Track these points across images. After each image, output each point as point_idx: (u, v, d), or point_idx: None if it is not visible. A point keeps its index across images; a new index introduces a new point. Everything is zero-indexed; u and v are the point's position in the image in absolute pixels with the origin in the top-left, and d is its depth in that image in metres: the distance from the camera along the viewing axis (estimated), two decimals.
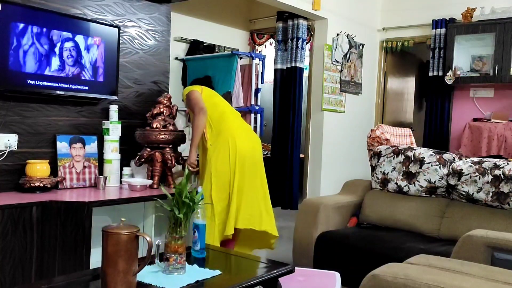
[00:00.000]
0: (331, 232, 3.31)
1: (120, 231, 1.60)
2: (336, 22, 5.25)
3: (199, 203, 1.91)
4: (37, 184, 2.81)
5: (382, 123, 5.81)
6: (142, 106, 3.59)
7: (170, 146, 3.25)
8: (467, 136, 5.07)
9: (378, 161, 3.64)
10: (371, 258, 2.88)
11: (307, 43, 5.31)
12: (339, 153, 5.38)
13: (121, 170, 3.31)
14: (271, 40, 5.95)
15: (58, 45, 2.99)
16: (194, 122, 3.15)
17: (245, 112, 4.98)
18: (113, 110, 3.27)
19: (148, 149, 3.22)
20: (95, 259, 2.56)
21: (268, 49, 6.13)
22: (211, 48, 5.43)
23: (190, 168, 3.19)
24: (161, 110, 3.29)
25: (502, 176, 3.02)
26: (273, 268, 2.04)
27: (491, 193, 3.06)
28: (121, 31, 3.35)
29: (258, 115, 5.01)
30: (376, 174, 3.64)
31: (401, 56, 6.25)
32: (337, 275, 2.55)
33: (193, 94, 3.27)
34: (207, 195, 3.08)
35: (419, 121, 6.28)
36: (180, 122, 4.98)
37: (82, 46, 3.10)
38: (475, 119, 5.21)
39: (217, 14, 5.60)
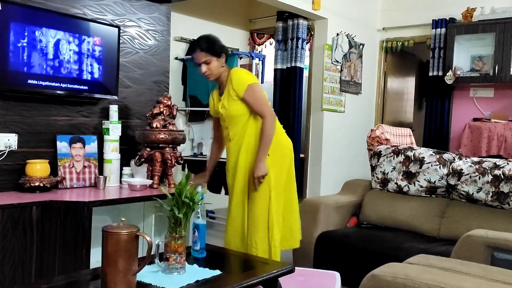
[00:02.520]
0: (331, 232, 3.31)
1: (120, 231, 1.60)
2: (336, 22, 5.25)
3: (199, 203, 1.91)
4: (37, 184, 2.81)
5: (382, 123, 5.81)
6: (142, 106, 3.59)
7: (170, 146, 3.25)
8: (467, 136, 5.06)
9: (378, 161, 3.64)
10: (371, 258, 2.88)
11: (307, 43, 5.31)
12: (339, 153, 5.38)
13: (121, 170, 3.30)
14: (271, 40, 5.95)
15: (58, 44, 2.98)
16: (268, 129, 2.70)
17: None
18: (113, 110, 3.27)
19: (148, 149, 3.22)
20: (95, 259, 2.56)
21: (268, 49, 6.12)
22: None
23: (261, 181, 2.70)
24: (161, 109, 3.29)
25: (502, 176, 3.02)
26: (273, 268, 2.05)
27: (491, 193, 3.06)
28: (121, 31, 3.35)
29: None
30: (376, 174, 3.64)
31: (401, 56, 6.24)
32: (337, 275, 2.56)
33: (258, 88, 2.74)
34: (264, 211, 2.74)
35: (419, 121, 6.28)
36: (180, 122, 4.98)
37: (82, 46, 3.10)
38: (475, 119, 5.21)
39: (217, 14, 5.60)
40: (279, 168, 2.80)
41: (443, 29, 5.27)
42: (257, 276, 1.93)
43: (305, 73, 5.49)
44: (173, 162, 3.24)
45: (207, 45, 2.73)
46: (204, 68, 2.73)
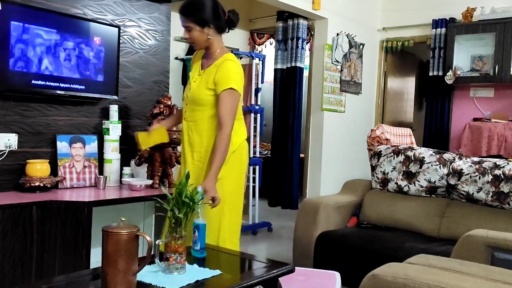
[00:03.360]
0: (331, 232, 3.31)
1: (120, 231, 1.60)
2: (336, 21, 5.25)
3: (199, 203, 1.91)
4: (37, 183, 2.81)
5: (382, 123, 5.81)
6: (142, 106, 3.59)
7: (170, 145, 3.25)
8: (467, 136, 5.07)
9: (378, 161, 3.64)
10: (371, 258, 2.88)
11: (307, 42, 5.32)
12: (339, 153, 5.38)
13: (121, 170, 3.30)
14: (271, 39, 5.95)
15: (58, 44, 2.98)
16: (223, 144, 2.34)
17: (245, 112, 4.98)
18: (113, 109, 3.27)
19: (148, 149, 3.22)
20: (95, 259, 2.56)
21: (268, 48, 6.13)
22: None
23: (215, 204, 2.34)
24: (161, 110, 3.29)
25: (502, 176, 3.02)
26: (273, 268, 2.04)
27: (491, 193, 3.06)
28: (121, 31, 3.35)
29: (258, 115, 5.01)
30: (376, 174, 3.64)
31: (401, 56, 6.25)
32: (337, 275, 2.56)
33: (236, 97, 2.40)
34: (215, 224, 2.42)
35: (419, 121, 6.29)
36: None
37: (82, 46, 3.10)
38: (475, 119, 5.21)
39: None
40: (237, 175, 2.51)
41: (443, 29, 5.27)
42: (257, 276, 1.93)
43: (305, 73, 5.49)
44: (173, 162, 3.24)
45: (189, 9, 2.38)
46: (185, 33, 2.42)
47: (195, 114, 2.47)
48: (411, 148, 3.54)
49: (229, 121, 2.37)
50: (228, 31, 2.52)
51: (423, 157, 3.41)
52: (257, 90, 4.98)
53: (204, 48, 2.49)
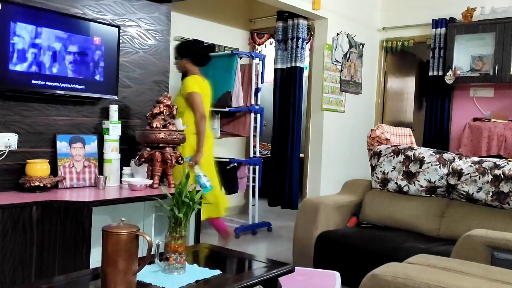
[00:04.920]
0: (331, 231, 3.31)
1: (120, 231, 1.60)
2: (336, 21, 5.25)
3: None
4: (37, 183, 2.81)
5: (382, 123, 5.81)
6: (142, 105, 3.59)
7: (170, 145, 3.25)
8: (467, 135, 5.07)
9: (378, 161, 3.64)
10: (371, 257, 2.88)
11: (307, 42, 5.31)
12: (339, 153, 5.38)
13: (121, 169, 3.30)
14: (271, 39, 5.95)
15: (58, 44, 2.98)
16: (198, 127, 3.81)
17: (245, 112, 4.98)
18: (113, 109, 3.27)
19: (148, 149, 3.22)
20: (95, 259, 2.55)
21: (268, 48, 6.13)
22: (211, 47, 5.42)
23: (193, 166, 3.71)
24: (161, 109, 3.29)
25: (502, 175, 3.02)
26: (273, 267, 2.05)
27: (491, 193, 3.06)
28: (121, 31, 3.35)
29: (258, 115, 5.01)
30: (376, 173, 3.64)
31: (401, 56, 6.25)
32: (337, 275, 2.56)
33: (196, 97, 3.78)
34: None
35: (419, 121, 6.28)
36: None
37: (82, 46, 3.10)
38: (475, 119, 5.21)
39: (217, 13, 5.60)
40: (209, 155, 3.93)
41: (443, 29, 5.27)
42: (257, 276, 1.93)
43: (305, 73, 5.49)
44: (173, 162, 3.24)
45: (177, 46, 4.08)
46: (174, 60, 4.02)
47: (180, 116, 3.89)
48: (411, 148, 3.54)
49: (197, 112, 3.84)
50: (203, 65, 4.03)
51: (423, 157, 3.41)
52: (257, 90, 4.98)
53: (183, 71, 4.14)
